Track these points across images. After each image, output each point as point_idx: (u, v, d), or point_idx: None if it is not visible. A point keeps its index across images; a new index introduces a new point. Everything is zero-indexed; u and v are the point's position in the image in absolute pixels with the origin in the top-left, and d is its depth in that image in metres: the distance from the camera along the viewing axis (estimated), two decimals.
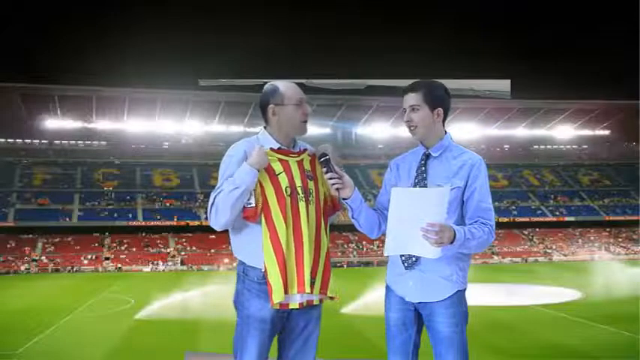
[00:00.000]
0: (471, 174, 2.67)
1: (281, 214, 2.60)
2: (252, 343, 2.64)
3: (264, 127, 2.79)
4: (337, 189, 2.65)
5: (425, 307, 2.70)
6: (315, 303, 2.70)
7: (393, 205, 2.59)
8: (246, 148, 2.66)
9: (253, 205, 2.58)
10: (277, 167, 2.65)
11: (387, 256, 2.77)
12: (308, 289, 2.60)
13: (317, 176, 2.74)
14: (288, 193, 2.63)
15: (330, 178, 2.64)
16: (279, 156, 2.68)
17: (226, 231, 2.77)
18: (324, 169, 2.67)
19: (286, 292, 2.58)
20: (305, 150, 2.77)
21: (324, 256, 2.70)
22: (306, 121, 2.74)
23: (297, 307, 2.63)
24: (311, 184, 2.70)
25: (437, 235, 2.44)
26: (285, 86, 2.73)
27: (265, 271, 2.59)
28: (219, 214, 2.56)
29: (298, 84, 2.82)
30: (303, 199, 2.65)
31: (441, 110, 2.73)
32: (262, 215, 2.61)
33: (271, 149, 2.68)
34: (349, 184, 2.67)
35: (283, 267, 2.57)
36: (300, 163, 2.72)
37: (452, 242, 2.48)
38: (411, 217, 2.50)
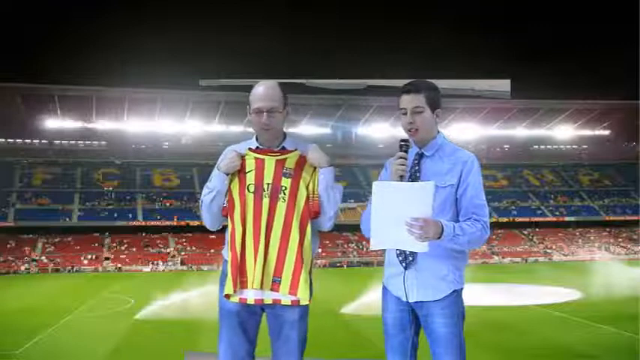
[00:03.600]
0: (464, 171, 2.67)
1: (240, 210, 2.67)
2: (222, 333, 2.78)
3: None
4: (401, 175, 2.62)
5: (421, 307, 2.69)
6: (283, 303, 2.65)
7: (375, 199, 2.55)
8: (233, 151, 2.79)
9: (226, 204, 2.72)
10: (249, 165, 2.72)
11: (371, 250, 2.76)
12: (257, 285, 2.61)
13: (299, 175, 2.71)
14: (251, 190, 2.68)
15: (401, 164, 2.63)
16: (256, 155, 2.74)
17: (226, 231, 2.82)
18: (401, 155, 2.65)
19: (244, 286, 2.64)
20: (295, 150, 2.75)
21: (293, 255, 2.63)
22: (265, 129, 2.72)
23: (254, 302, 2.66)
24: (286, 182, 2.69)
25: (421, 229, 2.42)
26: (254, 92, 2.74)
27: None
28: (203, 216, 2.76)
29: (298, 84, 2.82)
30: (268, 195, 2.66)
31: (440, 111, 2.75)
32: (228, 212, 2.71)
33: (249, 149, 2.76)
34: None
35: (236, 262, 2.64)
36: (280, 162, 2.71)
37: (439, 237, 2.47)
38: (396, 212, 2.47)
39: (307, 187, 2.71)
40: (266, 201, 2.66)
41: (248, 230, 2.65)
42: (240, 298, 2.65)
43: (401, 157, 2.64)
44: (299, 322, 2.73)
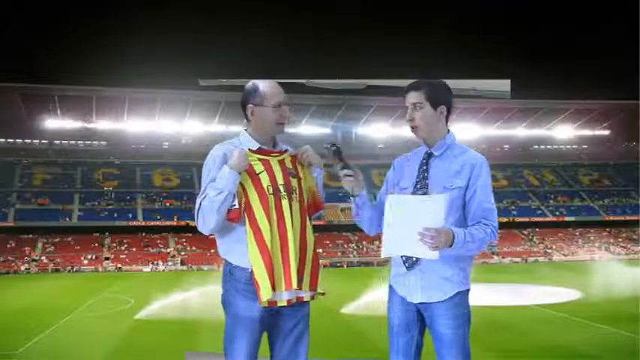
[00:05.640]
0: (473, 174, 2.65)
1: (264, 213, 2.62)
2: (241, 343, 2.66)
3: (245, 129, 2.81)
4: (352, 187, 2.65)
5: (426, 307, 2.69)
6: (305, 299, 2.71)
7: (388, 210, 2.57)
8: (226, 150, 2.68)
9: (237, 206, 2.60)
10: (258, 167, 2.67)
11: (383, 257, 2.77)
12: (295, 286, 2.60)
13: (300, 175, 2.75)
14: (271, 191, 2.64)
15: (347, 175, 2.66)
16: (259, 156, 2.70)
17: None
18: (340, 164, 2.69)
19: (274, 289, 2.58)
20: (286, 150, 2.79)
21: (310, 252, 2.71)
22: (283, 123, 2.74)
23: (285, 304, 2.63)
24: (294, 182, 2.71)
25: (433, 239, 2.43)
26: (265, 87, 2.72)
27: (252, 270, 2.60)
28: (206, 219, 2.58)
29: (298, 84, 2.81)
30: (286, 197, 2.66)
31: (444, 108, 2.71)
32: (246, 215, 2.62)
33: (250, 150, 2.69)
34: (361, 182, 2.70)
35: (270, 265, 2.57)
36: (281, 162, 2.73)
37: (451, 245, 2.47)
38: (408, 223, 2.49)
39: (306, 184, 2.78)
40: (285, 202, 2.65)
41: (274, 233, 2.62)
42: (270, 302, 2.60)
43: (343, 168, 2.68)
44: (308, 317, 2.79)
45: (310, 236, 2.72)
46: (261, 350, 2.81)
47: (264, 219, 2.61)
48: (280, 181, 2.67)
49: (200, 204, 2.59)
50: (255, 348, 2.70)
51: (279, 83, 2.80)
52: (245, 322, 2.65)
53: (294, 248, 2.62)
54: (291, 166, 2.74)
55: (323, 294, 2.73)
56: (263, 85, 2.73)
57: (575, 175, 55.10)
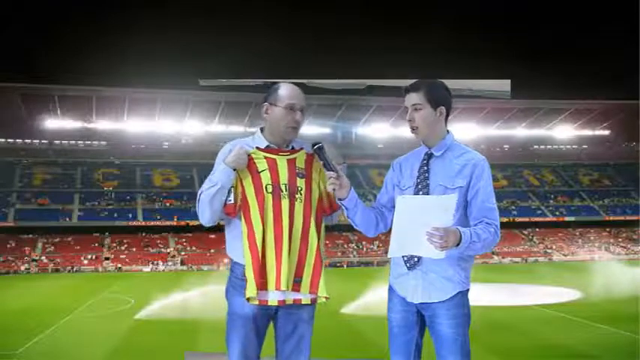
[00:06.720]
0: (474, 174, 2.65)
1: (258, 211, 2.61)
2: (235, 339, 2.69)
3: (261, 128, 2.81)
4: (333, 189, 2.63)
5: (427, 307, 2.68)
6: (303, 302, 2.67)
7: (398, 211, 2.56)
8: (232, 147, 2.69)
9: (232, 201, 2.61)
10: (261, 165, 2.65)
11: (389, 257, 2.74)
12: (284, 287, 2.58)
13: (310, 175, 2.72)
14: (269, 190, 2.63)
15: (329, 177, 2.63)
16: (266, 154, 2.68)
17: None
18: (321, 162, 2.65)
19: (264, 288, 2.58)
20: (301, 149, 2.76)
21: (312, 255, 2.66)
22: (294, 127, 2.72)
23: (277, 304, 2.62)
24: (301, 182, 2.68)
25: (441, 239, 2.42)
26: (284, 88, 2.72)
27: (244, 267, 2.62)
28: (200, 210, 2.63)
29: (298, 84, 2.81)
30: (287, 196, 2.63)
31: (443, 109, 2.71)
32: (242, 212, 2.63)
33: (257, 148, 2.68)
34: (346, 184, 2.64)
35: (257, 263, 2.57)
36: (291, 161, 2.70)
37: (458, 245, 2.47)
38: (417, 223, 2.49)
39: (319, 186, 2.73)
40: (285, 202, 2.62)
41: (269, 232, 2.60)
42: (261, 301, 2.60)
43: (324, 167, 2.64)
44: (311, 321, 2.76)
45: (313, 238, 2.67)
46: (267, 350, 2.82)
47: (257, 218, 2.60)
48: (284, 180, 2.65)
49: (199, 195, 2.64)
50: (253, 346, 2.70)
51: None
52: (238, 318, 2.68)
53: (287, 249, 2.59)
54: (303, 166, 2.71)
55: (327, 298, 2.68)
56: (283, 86, 2.73)
57: (575, 175, 55.10)
